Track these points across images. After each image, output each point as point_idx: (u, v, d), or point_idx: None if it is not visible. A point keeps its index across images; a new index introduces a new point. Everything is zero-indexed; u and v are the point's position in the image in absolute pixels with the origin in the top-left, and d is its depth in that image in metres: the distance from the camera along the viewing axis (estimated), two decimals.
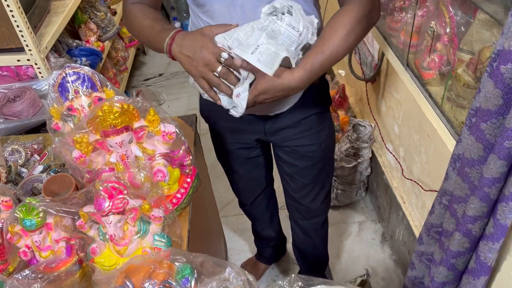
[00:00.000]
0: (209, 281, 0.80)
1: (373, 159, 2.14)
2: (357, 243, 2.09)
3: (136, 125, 1.01)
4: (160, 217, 1.01)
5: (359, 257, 2.02)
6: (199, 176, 1.25)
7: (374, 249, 2.06)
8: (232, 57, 0.95)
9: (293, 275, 0.86)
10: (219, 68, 0.96)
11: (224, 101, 1.05)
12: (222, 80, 0.99)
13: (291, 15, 0.93)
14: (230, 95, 1.02)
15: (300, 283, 0.83)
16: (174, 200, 1.15)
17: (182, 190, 1.17)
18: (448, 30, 1.01)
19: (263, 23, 0.95)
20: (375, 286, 1.88)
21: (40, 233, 0.98)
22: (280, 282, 0.86)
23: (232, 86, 1.00)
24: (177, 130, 1.08)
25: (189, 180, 1.19)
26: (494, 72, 0.70)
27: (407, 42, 1.16)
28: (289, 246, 2.00)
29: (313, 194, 1.46)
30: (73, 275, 1.05)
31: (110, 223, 0.95)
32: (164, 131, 1.06)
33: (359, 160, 2.11)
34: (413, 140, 1.66)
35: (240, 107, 1.02)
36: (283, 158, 1.40)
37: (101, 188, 0.94)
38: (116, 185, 0.95)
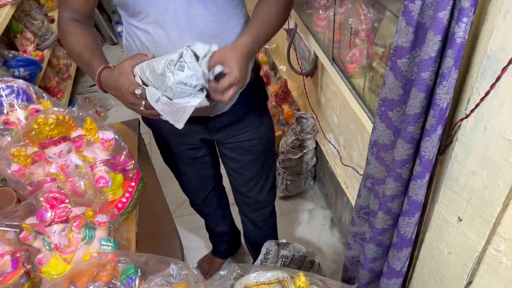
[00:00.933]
0: (153, 278, 0.85)
1: (317, 149, 2.23)
2: (308, 230, 2.18)
3: (73, 134, 1.03)
4: (105, 222, 1.04)
5: (310, 243, 2.11)
6: (143, 180, 1.28)
7: (324, 234, 2.16)
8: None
9: (233, 265, 0.92)
10: (143, 102, 1.04)
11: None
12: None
13: (183, 70, 0.96)
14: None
15: (238, 271, 0.89)
16: (119, 205, 1.18)
17: (127, 195, 1.20)
18: (363, 26, 1.10)
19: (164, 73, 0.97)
20: (327, 269, 1.98)
21: None
22: (221, 272, 0.92)
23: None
24: (116, 136, 1.12)
25: (133, 184, 1.22)
26: (393, 66, 0.78)
27: (331, 38, 1.25)
28: (243, 239, 2.07)
29: (259, 187, 1.53)
30: None
31: (54, 232, 0.97)
32: (103, 139, 1.08)
33: (304, 151, 2.20)
34: (350, 128, 1.76)
35: (182, 122, 1.05)
36: (228, 155, 1.46)
37: (42, 199, 0.95)
38: (57, 195, 0.97)
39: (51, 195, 0.96)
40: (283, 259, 1.69)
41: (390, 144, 0.88)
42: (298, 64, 2.12)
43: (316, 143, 2.23)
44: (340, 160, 1.88)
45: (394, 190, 0.91)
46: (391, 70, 0.79)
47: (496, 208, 0.84)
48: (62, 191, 0.99)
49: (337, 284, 0.88)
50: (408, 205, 0.88)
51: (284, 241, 1.75)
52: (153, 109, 1.03)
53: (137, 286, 0.85)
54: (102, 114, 2.95)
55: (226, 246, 2.02)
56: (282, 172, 2.32)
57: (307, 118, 2.16)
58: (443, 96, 0.73)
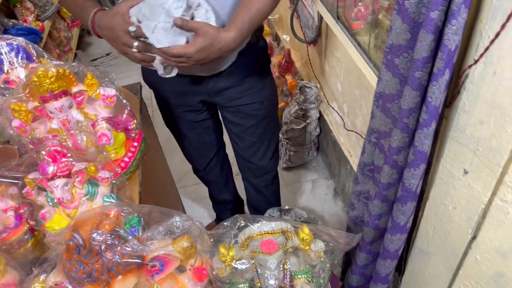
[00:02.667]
0: (155, 227, 0.85)
1: (321, 119, 2.22)
2: (311, 200, 2.18)
3: (74, 89, 1.02)
4: (107, 178, 1.03)
5: (313, 212, 2.12)
6: (146, 141, 1.27)
7: (327, 204, 2.16)
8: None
9: (236, 215, 0.91)
10: (135, 43, 1.01)
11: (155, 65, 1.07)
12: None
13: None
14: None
15: (242, 222, 0.89)
16: (122, 164, 1.18)
17: (130, 154, 1.19)
18: None
19: None
20: None
21: None
22: (225, 223, 0.91)
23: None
24: (117, 93, 1.10)
25: (135, 144, 1.22)
26: (401, 8, 0.76)
27: None
28: (247, 207, 2.07)
29: (261, 152, 1.52)
30: (26, 244, 1.06)
31: (57, 186, 0.97)
32: (104, 95, 1.07)
33: (307, 121, 2.19)
34: (354, 95, 1.74)
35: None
36: (229, 119, 1.44)
37: (43, 152, 0.95)
38: (59, 149, 0.96)
39: (52, 148, 0.95)
40: None
41: (397, 94, 0.87)
42: (302, 32, 2.09)
43: (320, 113, 2.21)
44: (344, 126, 1.86)
45: (400, 142, 0.89)
46: (398, 13, 0.77)
47: (503, 156, 0.82)
48: (64, 144, 0.98)
49: (340, 234, 0.88)
50: (413, 155, 0.87)
51: (286, 207, 1.75)
52: (146, 52, 1.03)
53: (140, 235, 0.85)
54: None
55: (230, 215, 2.01)
56: (285, 143, 2.31)
57: (310, 87, 2.13)
58: (452, 37, 0.71)
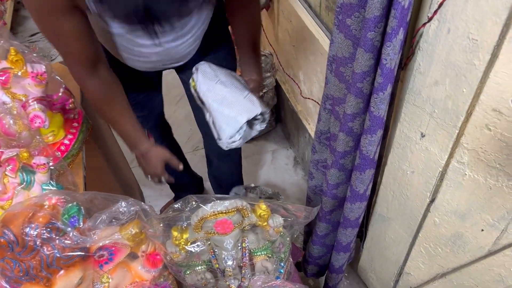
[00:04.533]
0: (98, 215, 0.77)
1: (277, 87, 2.16)
2: (272, 171, 2.15)
3: None
4: (44, 164, 0.94)
5: (274, 183, 2.09)
6: (88, 120, 1.17)
7: (288, 173, 2.13)
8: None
9: (188, 196, 0.85)
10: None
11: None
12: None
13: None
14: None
15: (194, 203, 0.83)
16: (62, 148, 1.08)
17: (70, 136, 1.10)
18: None
19: None
20: None
21: None
22: (175, 205, 0.85)
23: None
24: (48, 69, 1.00)
25: (76, 124, 1.12)
26: None
27: None
28: (208, 185, 2.01)
29: None
30: None
31: None
32: (32, 72, 0.96)
33: (264, 90, 2.12)
34: (309, 61, 1.69)
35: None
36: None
37: None
38: None
39: None
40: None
41: (350, 57, 0.82)
42: None
43: (276, 81, 2.15)
44: (300, 94, 1.81)
45: (356, 107, 0.85)
46: None
47: (459, 117, 0.80)
48: None
49: (299, 208, 0.84)
50: (370, 121, 0.83)
51: (252, 185, 1.71)
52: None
53: (81, 225, 0.77)
54: None
55: (189, 193, 1.95)
56: None
57: (265, 55, 2.06)
58: None
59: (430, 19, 0.75)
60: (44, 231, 0.73)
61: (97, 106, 1.03)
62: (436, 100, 0.83)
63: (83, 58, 0.91)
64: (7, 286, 0.76)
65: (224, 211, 0.81)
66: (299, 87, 1.82)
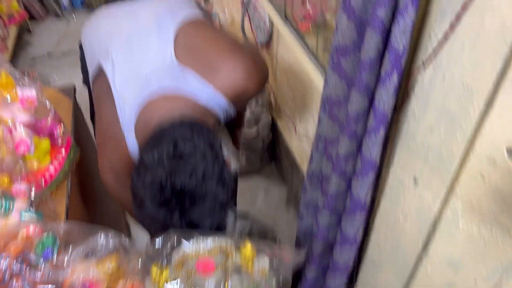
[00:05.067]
0: (73, 248, 0.74)
1: (273, 124, 2.16)
2: (263, 208, 2.11)
3: None
4: (24, 191, 0.91)
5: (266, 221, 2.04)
6: (76, 148, 1.15)
7: (280, 211, 2.10)
8: None
9: (169, 231, 0.82)
10: None
11: None
12: None
13: None
14: None
15: (175, 239, 0.79)
16: (47, 175, 1.05)
17: (56, 163, 1.07)
18: None
19: None
20: None
21: None
22: (156, 241, 0.82)
23: None
24: (39, 95, 0.98)
25: (63, 152, 1.09)
26: (346, 5, 0.70)
27: None
28: None
29: None
30: None
31: None
32: (22, 97, 0.95)
33: (260, 127, 2.12)
34: (306, 101, 1.69)
35: None
36: None
37: None
38: None
39: None
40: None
41: (344, 98, 0.81)
42: (254, 35, 2.02)
43: (272, 118, 2.15)
44: (295, 132, 1.80)
45: (349, 149, 0.84)
46: (344, 10, 0.71)
47: (453, 164, 0.78)
48: None
49: (286, 250, 0.80)
50: (361, 164, 0.81)
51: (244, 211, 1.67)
52: None
53: (55, 258, 0.73)
54: None
55: None
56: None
57: (262, 91, 2.07)
58: (400, 37, 0.65)
59: (424, 65, 0.75)
60: (15, 263, 0.69)
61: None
62: (430, 145, 0.81)
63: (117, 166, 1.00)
64: None
65: (208, 250, 0.77)
66: (294, 126, 1.82)
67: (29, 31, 3.31)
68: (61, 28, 3.44)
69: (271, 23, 1.77)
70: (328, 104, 0.85)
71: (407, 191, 0.92)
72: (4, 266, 0.68)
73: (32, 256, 0.70)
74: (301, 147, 1.90)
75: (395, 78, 0.72)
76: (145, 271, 0.84)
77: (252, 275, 0.88)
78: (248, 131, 2.10)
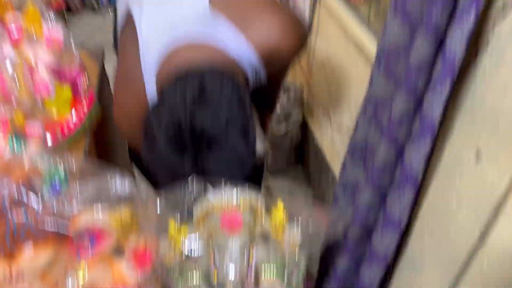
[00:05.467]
0: (84, 186, 0.64)
1: (304, 124, 2.06)
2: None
3: (8, 18, 0.83)
4: (39, 133, 0.83)
5: None
6: (98, 108, 1.07)
7: None
8: None
9: (193, 176, 0.72)
10: None
11: None
12: None
13: None
14: None
15: (198, 185, 0.69)
16: (65, 127, 0.97)
17: (75, 118, 0.99)
18: None
19: None
20: None
21: None
22: (177, 189, 0.71)
23: None
24: (66, 38, 0.92)
25: (85, 107, 1.02)
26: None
27: None
28: None
29: None
30: None
31: None
32: (48, 35, 0.88)
33: (289, 125, 2.02)
34: (343, 93, 1.60)
35: None
36: None
37: None
38: None
39: None
40: None
41: (405, 46, 0.70)
42: None
43: (304, 118, 2.05)
44: (330, 125, 1.70)
45: (404, 109, 0.73)
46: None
47: None
48: None
49: (324, 211, 0.69)
50: (420, 125, 0.70)
51: None
52: None
53: (63, 195, 0.64)
54: None
55: None
56: None
57: (295, 89, 1.98)
58: None
59: (504, 15, 0.64)
60: (17, 190, 0.60)
61: None
62: (502, 110, 0.70)
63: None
64: None
65: (235, 204, 0.67)
66: (329, 118, 1.72)
67: (64, 20, 3.35)
68: (96, 22, 3.46)
69: (312, 12, 1.70)
70: (384, 58, 0.75)
71: (466, 169, 0.80)
72: (5, 191, 0.59)
73: (38, 185, 0.61)
74: (332, 147, 1.79)
75: (471, 18, 0.61)
76: (162, 226, 0.74)
77: (281, 246, 0.77)
78: (276, 127, 2.00)
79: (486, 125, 0.74)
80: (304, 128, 2.07)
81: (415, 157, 0.74)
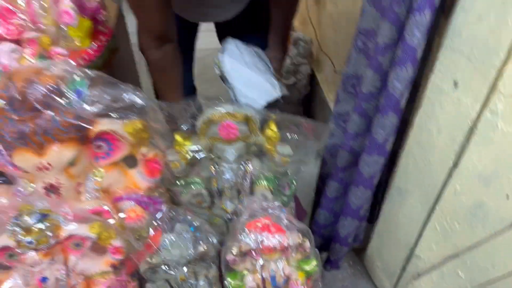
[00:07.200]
0: (102, 93, 0.75)
1: (312, 77, 2.12)
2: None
3: None
4: (63, 56, 0.93)
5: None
6: (116, 41, 1.17)
7: (307, 165, 2.07)
8: None
9: (197, 97, 0.82)
10: None
11: None
12: None
13: None
14: None
15: (202, 101, 0.79)
16: (85, 56, 1.07)
17: (95, 47, 1.09)
18: None
19: None
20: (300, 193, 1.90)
21: None
22: (184, 105, 0.82)
23: None
24: None
25: (104, 38, 1.11)
26: None
27: None
28: None
29: None
30: None
31: (2, 51, 0.87)
32: None
33: (298, 77, 2.09)
34: (348, 42, 1.65)
35: None
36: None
37: None
38: (10, 7, 0.86)
39: (5, 4, 0.85)
40: None
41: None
42: None
43: (312, 70, 2.12)
44: (334, 71, 1.77)
45: (389, 37, 0.80)
46: None
47: (500, 56, 0.73)
48: (19, 5, 0.88)
49: (311, 123, 0.79)
50: (401, 52, 0.78)
51: None
52: None
53: (83, 103, 0.74)
54: None
55: None
56: None
57: (305, 41, 2.04)
58: None
59: None
60: (47, 92, 0.70)
61: (152, 72, 1.09)
62: (476, 38, 0.77)
63: (156, 30, 0.98)
64: (1, 147, 0.74)
65: (232, 113, 0.77)
66: (333, 65, 1.79)
67: None
68: None
69: None
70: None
71: (445, 98, 0.88)
72: (37, 94, 0.69)
73: (65, 90, 0.72)
74: None
75: None
76: (169, 138, 0.84)
77: (274, 162, 0.87)
78: (285, 81, 2.08)
79: (462, 55, 0.81)
80: (312, 80, 2.13)
81: (396, 81, 0.82)
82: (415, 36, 0.76)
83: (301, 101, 2.21)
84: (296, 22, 2.36)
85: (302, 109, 2.25)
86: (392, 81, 0.82)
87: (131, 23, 1.50)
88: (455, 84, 0.85)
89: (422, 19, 0.74)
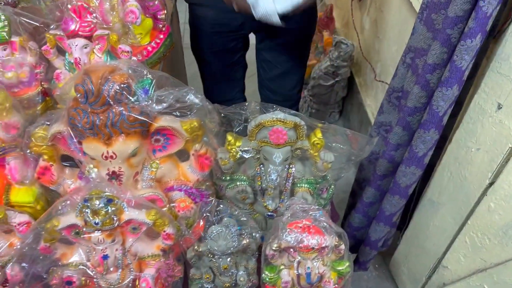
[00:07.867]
0: (166, 92, 0.82)
1: (350, 80, 2.15)
2: None
3: None
4: (128, 51, 1.01)
5: None
6: (172, 36, 1.24)
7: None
8: None
9: (251, 101, 0.88)
10: None
11: None
12: None
13: None
14: None
15: (257, 107, 0.85)
16: (144, 52, 1.15)
17: (154, 44, 1.16)
18: None
19: None
20: (335, 197, 1.94)
21: (4, 50, 0.97)
22: (238, 108, 0.88)
23: None
24: None
25: (162, 36, 1.18)
26: None
27: None
28: None
29: (289, 82, 1.48)
30: (35, 106, 1.05)
31: (76, 46, 0.95)
32: None
33: (337, 79, 2.13)
34: (391, 52, 1.67)
35: None
36: (264, 43, 1.39)
37: (69, 6, 0.93)
38: (85, 5, 0.94)
39: (79, 3, 0.93)
40: None
41: (445, 1, 0.81)
42: None
43: (351, 73, 2.15)
44: (375, 78, 1.80)
45: (438, 58, 0.84)
46: None
47: None
48: (92, 5, 0.95)
49: (356, 135, 0.84)
50: (449, 72, 0.82)
51: None
52: None
53: (149, 101, 0.81)
54: None
55: None
56: (309, 99, 2.26)
57: (346, 44, 2.06)
58: None
59: None
60: (118, 89, 0.78)
61: None
62: None
63: None
64: (73, 135, 0.82)
65: (283, 120, 0.82)
66: (374, 71, 1.81)
67: None
68: None
69: None
70: (427, 11, 0.86)
71: (487, 119, 0.91)
72: (110, 89, 0.77)
73: (134, 87, 0.79)
74: (375, 101, 1.89)
75: None
76: (220, 139, 0.91)
77: (315, 167, 0.92)
78: (324, 83, 2.12)
79: (508, 79, 0.84)
80: (350, 83, 2.17)
81: (441, 100, 0.85)
82: (464, 59, 0.79)
83: (337, 103, 2.25)
84: (338, 24, 2.38)
85: (339, 112, 2.29)
86: (437, 99, 0.86)
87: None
88: (499, 106, 0.87)
89: (473, 44, 0.77)
